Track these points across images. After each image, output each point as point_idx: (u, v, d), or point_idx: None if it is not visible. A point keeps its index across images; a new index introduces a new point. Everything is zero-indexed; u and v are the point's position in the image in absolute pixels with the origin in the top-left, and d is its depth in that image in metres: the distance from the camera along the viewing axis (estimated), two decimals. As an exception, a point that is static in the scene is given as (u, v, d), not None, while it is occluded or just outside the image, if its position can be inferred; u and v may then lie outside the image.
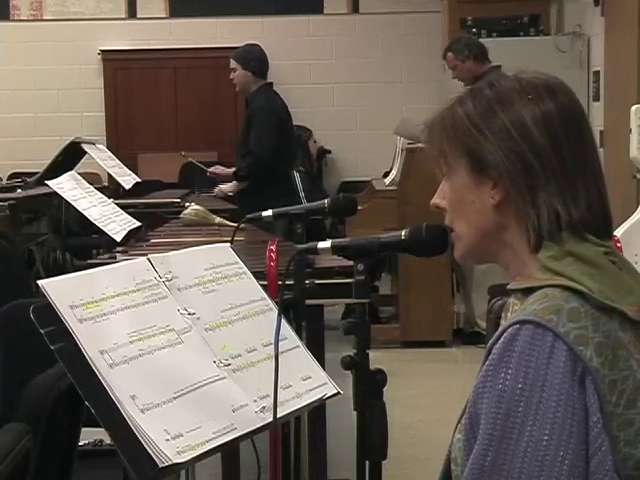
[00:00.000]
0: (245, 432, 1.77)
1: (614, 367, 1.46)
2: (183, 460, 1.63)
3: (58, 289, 1.69)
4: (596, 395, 1.43)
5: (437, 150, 1.66)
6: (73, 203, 4.88)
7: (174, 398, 1.70)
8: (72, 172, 5.35)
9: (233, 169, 6.67)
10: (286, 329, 2.03)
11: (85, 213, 4.78)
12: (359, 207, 3.73)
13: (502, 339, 1.48)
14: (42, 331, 1.64)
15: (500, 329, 1.50)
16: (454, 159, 1.63)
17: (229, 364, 1.85)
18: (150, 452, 1.60)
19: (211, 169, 6.88)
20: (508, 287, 1.61)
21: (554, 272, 1.52)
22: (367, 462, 1.94)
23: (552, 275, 1.52)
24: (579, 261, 1.52)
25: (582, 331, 1.46)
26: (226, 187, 6.71)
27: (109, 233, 4.60)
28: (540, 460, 1.42)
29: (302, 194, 7.52)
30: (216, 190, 6.77)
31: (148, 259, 1.89)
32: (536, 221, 1.55)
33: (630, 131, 5.08)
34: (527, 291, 1.55)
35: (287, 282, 2.84)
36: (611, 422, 1.44)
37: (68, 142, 6.79)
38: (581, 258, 1.52)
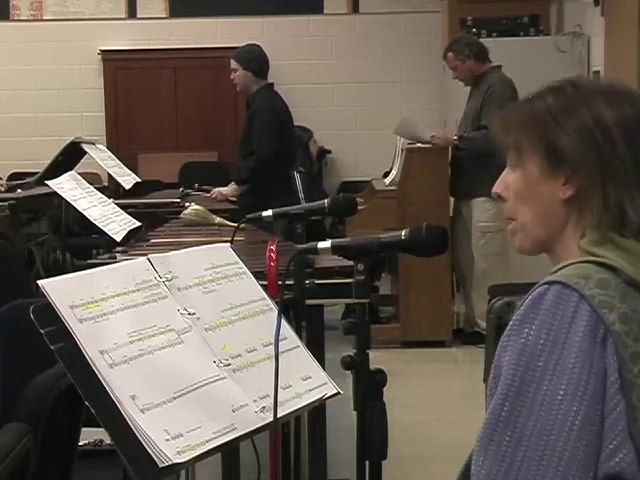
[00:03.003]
0: (245, 432, 1.77)
1: (639, 340, 1.49)
2: (183, 460, 1.63)
3: (58, 289, 1.69)
4: (615, 357, 1.47)
5: (512, 140, 1.67)
6: (73, 203, 4.88)
7: (174, 398, 1.70)
8: (72, 172, 5.36)
9: (233, 185, 6.63)
10: (286, 329, 2.03)
11: (85, 213, 4.78)
12: (359, 207, 3.73)
13: (530, 297, 1.53)
14: (42, 331, 1.64)
15: (531, 290, 1.54)
16: (529, 150, 1.64)
17: (229, 364, 1.85)
18: (150, 452, 1.61)
19: (214, 192, 6.77)
20: (550, 272, 1.62)
21: (592, 254, 1.56)
22: (367, 462, 1.95)
23: (590, 257, 1.56)
24: (617, 248, 1.56)
25: (608, 298, 1.50)
26: (226, 191, 6.69)
27: (109, 233, 4.61)
28: (554, 415, 1.45)
29: (301, 195, 7.52)
30: (215, 192, 6.73)
31: (148, 259, 1.89)
32: (603, 216, 1.58)
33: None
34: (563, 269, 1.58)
35: (287, 282, 2.84)
36: (631, 392, 1.47)
37: (68, 142, 6.79)
38: (620, 246, 1.56)
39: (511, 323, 1.53)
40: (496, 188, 1.71)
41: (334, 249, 2.03)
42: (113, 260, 3.80)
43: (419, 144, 6.97)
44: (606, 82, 1.69)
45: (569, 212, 1.62)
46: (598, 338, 1.47)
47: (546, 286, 1.52)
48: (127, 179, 6.57)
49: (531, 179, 1.64)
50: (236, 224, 3.40)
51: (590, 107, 1.61)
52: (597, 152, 1.59)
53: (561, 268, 1.57)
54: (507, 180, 1.69)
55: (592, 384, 1.45)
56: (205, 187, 6.89)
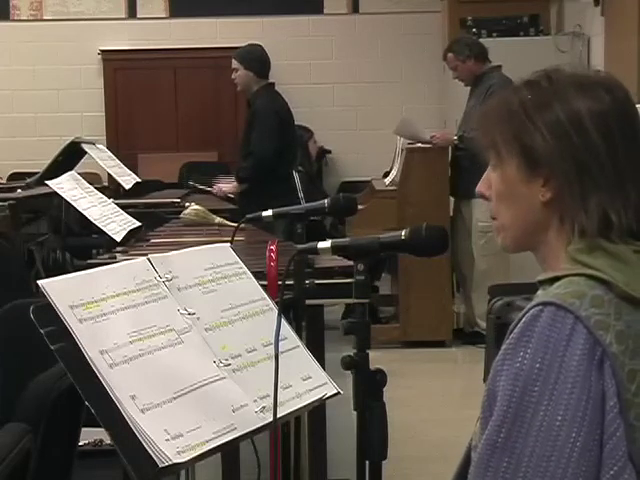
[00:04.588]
0: (245, 432, 1.77)
1: (635, 357, 1.46)
2: (183, 460, 1.63)
3: (58, 289, 1.69)
4: (614, 380, 1.43)
5: (489, 140, 1.63)
6: (73, 203, 4.88)
7: (174, 398, 1.70)
8: (72, 172, 5.36)
9: (234, 181, 6.66)
10: (286, 329, 2.03)
11: (85, 213, 4.78)
12: (359, 207, 3.74)
13: (524, 319, 1.48)
14: (42, 331, 1.63)
15: (523, 311, 1.50)
16: (506, 152, 1.60)
17: (229, 364, 1.85)
18: (150, 452, 1.60)
19: (215, 188, 6.79)
20: (537, 278, 1.59)
21: (582, 264, 1.52)
22: (367, 462, 1.94)
23: (580, 267, 1.52)
24: (607, 255, 1.52)
25: (603, 317, 1.46)
26: (226, 187, 6.71)
27: (109, 233, 4.60)
28: (552, 440, 1.42)
29: (301, 194, 7.52)
30: (215, 189, 6.75)
31: (148, 259, 1.89)
32: (585, 224, 1.53)
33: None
34: (554, 281, 1.54)
35: (287, 282, 2.83)
36: (629, 411, 1.44)
37: (68, 142, 6.79)
38: (609, 252, 1.52)
39: (504, 347, 1.49)
40: (479, 187, 1.67)
41: (334, 249, 2.03)
42: (113, 260, 3.80)
43: (419, 144, 6.97)
44: (585, 72, 1.61)
45: (550, 214, 1.57)
46: (595, 361, 1.43)
47: (540, 307, 1.47)
48: (127, 179, 6.58)
49: (510, 180, 1.60)
50: (236, 224, 3.40)
51: (564, 102, 1.55)
52: (572, 152, 1.53)
53: (552, 279, 1.53)
54: (489, 179, 1.64)
55: (590, 409, 1.42)
56: (202, 186, 6.89)
